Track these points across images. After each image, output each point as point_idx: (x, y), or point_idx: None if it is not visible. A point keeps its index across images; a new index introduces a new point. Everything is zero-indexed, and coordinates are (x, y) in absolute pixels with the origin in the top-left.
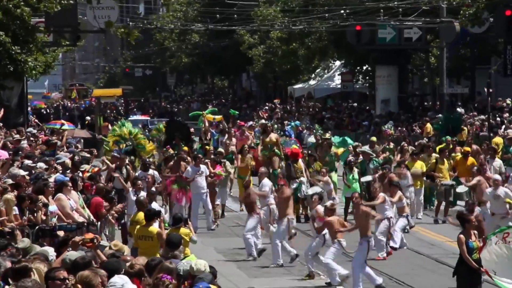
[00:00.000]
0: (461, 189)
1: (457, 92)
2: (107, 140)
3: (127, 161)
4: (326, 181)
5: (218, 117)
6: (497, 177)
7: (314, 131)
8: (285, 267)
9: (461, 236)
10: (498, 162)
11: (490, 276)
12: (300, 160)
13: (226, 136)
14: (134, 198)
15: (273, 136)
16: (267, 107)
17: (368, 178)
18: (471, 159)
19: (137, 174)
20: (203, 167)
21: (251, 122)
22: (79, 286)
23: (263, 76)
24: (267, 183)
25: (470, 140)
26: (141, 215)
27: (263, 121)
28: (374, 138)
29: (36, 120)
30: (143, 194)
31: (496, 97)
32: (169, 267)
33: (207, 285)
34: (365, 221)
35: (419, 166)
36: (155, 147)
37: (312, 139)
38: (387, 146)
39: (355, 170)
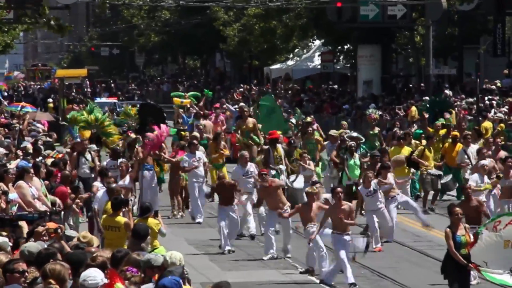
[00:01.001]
0: (445, 178)
1: (444, 73)
2: (72, 124)
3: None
4: (310, 167)
5: (186, 100)
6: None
7: (296, 115)
8: (262, 260)
9: (447, 230)
10: (474, 147)
11: (479, 270)
12: (279, 146)
13: (201, 120)
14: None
15: (250, 121)
16: (242, 89)
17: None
18: (460, 145)
19: (105, 163)
20: (199, 153)
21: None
22: (52, 281)
23: (238, 56)
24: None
25: (464, 124)
26: (109, 204)
27: (242, 104)
28: (344, 122)
29: None
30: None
31: (485, 79)
32: (136, 259)
33: (176, 278)
34: (345, 217)
35: (406, 152)
36: (124, 137)
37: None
38: (372, 132)
39: (356, 155)
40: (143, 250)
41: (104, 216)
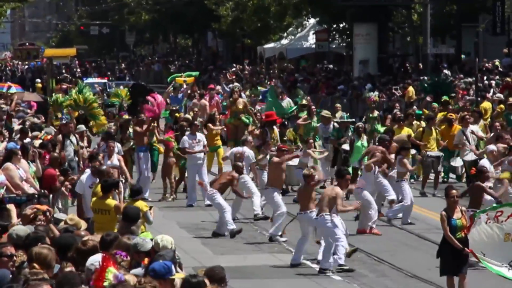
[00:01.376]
0: (457, 162)
1: (442, 53)
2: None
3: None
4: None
5: (190, 79)
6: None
7: (299, 97)
8: (256, 244)
9: (443, 212)
10: (475, 127)
11: (477, 257)
12: (276, 128)
13: (196, 100)
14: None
15: (241, 101)
16: (234, 69)
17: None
18: (457, 127)
19: (97, 146)
20: (199, 135)
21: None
22: (35, 265)
23: (231, 35)
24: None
25: (468, 105)
26: (99, 186)
27: (236, 84)
28: (338, 104)
29: None
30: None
31: (484, 58)
32: (126, 243)
33: (167, 263)
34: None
35: (406, 133)
36: (117, 118)
37: (285, 104)
38: (371, 115)
39: (364, 136)
40: (133, 233)
41: (94, 199)
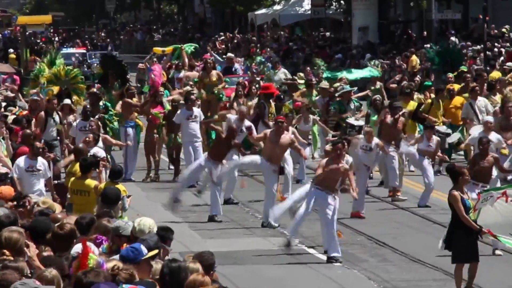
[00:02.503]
0: (453, 137)
1: (448, 18)
2: (36, 78)
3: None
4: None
5: (169, 48)
6: (489, 118)
7: (315, 68)
8: (247, 227)
9: (455, 192)
10: (482, 101)
11: (495, 236)
12: (272, 102)
13: (187, 73)
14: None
15: (214, 73)
16: (223, 37)
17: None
18: (458, 99)
19: (75, 124)
20: (196, 110)
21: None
22: (5, 252)
23: (219, 0)
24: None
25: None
26: (77, 165)
27: (230, 54)
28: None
29: None
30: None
31: (492, 24)
32: (106, 226)
33: (135, 245)
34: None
35: (412, 106)
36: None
37: (280, 76)
38: (373, 87)
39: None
40: (113, 216)
41: (72, 179)
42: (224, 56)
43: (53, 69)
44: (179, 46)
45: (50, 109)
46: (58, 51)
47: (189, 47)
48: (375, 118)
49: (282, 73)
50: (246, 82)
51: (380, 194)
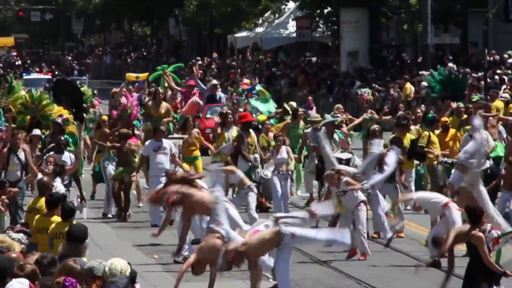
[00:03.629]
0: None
1: (445, 43)
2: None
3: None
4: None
5: (143, 75)
6: None
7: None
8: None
9: (480, 234)
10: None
11: None
12: (252, 132)
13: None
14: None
15: (164, 106)
16: (200, 62)
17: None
18: (452, 132)
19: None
20: (166, 142)
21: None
22: None
23: (196, 22)
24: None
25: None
26: (42, 201)
27: (214, 82)
28: (339, 105)
29: None
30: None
31: (493, 50)
32: (73, 267)
33: None
34: None
35: (407, 140)
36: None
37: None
38: (366, 117)
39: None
40: (80, 255)
41: (37, 216)
42: (210, 84)
43: (15, 96)
44: (161, 69)
45: (14, 145)
46: (20, 77)
47: (173, 68)
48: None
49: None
50: (229, 111)
51: (370, 232)
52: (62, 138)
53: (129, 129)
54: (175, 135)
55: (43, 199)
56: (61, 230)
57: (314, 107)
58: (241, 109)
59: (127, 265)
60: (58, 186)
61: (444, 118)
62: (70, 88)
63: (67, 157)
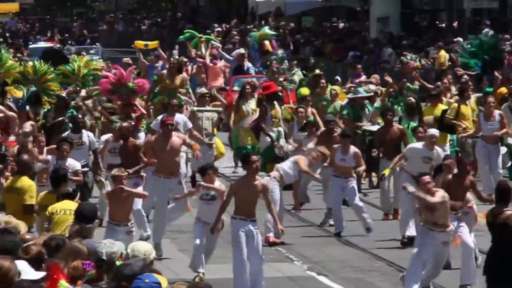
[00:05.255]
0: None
1: (483, 7)
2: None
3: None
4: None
5: (153, 43)
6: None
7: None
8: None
9: None
10: None
11: None
12: (277, 104)
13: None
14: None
15: (179, 78)
16: (219, 29)
17: None
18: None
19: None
20: (180, 117)
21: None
22: None
23: None
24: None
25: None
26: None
27: (241, 50)
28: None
29: None
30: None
31: None
32: (78, 248)
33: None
34: None
35: (439, 112)
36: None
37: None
38: (412, 86)
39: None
40: (88, 236)
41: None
42: (234, 53)
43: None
44: (198, 35)
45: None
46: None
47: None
48: (406, 125)
49: (297, 76)
50: (257, 83)
51: None
52: (80, 116)
53: (128, 105)
54: (208, 108)
55: (24, 178)
56: (46, 203)
57: (364, 76)
58: (281, 79)
59: (152, 248)
60: (72, 163)
61: (503, 89)
62: (60, 58)
63: (85, 136)
